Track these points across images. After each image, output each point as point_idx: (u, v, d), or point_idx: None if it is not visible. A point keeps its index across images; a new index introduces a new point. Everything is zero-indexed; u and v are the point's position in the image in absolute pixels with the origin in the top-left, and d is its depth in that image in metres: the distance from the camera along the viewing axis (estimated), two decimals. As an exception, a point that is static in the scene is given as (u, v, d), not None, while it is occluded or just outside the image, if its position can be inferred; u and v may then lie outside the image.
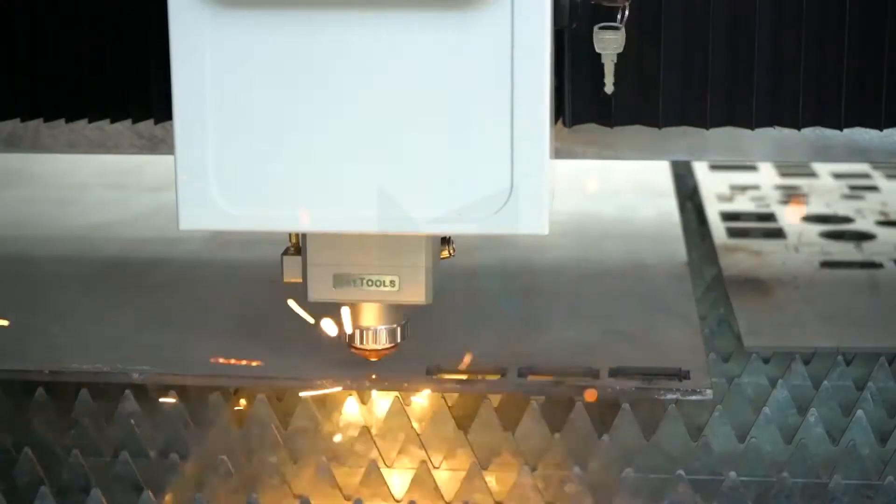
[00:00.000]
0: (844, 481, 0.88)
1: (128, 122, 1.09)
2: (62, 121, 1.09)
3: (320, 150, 0.84)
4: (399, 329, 0.95)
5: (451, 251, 0.95)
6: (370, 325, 0.94)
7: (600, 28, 0.93)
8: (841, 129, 1.01)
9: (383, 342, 0.95)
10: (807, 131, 1.02)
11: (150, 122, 1.08)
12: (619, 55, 0.94)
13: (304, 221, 0.85)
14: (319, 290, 0.92)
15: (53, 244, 1.35)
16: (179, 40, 0.83)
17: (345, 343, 0.95)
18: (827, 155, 1.10)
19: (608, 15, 0.94)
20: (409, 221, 0.84)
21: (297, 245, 0.94)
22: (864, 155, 1.09)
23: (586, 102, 1.02)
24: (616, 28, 0.92)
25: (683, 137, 1.07)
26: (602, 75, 0.97)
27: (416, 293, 0.92)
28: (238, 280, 1.22)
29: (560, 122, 1.02)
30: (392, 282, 0.92)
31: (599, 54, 0.96)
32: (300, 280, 0.93)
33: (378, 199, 0.84)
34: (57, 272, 1.26)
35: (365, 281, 0.92)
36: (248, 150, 0.84)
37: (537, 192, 0.83)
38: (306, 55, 0.83)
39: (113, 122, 1.08)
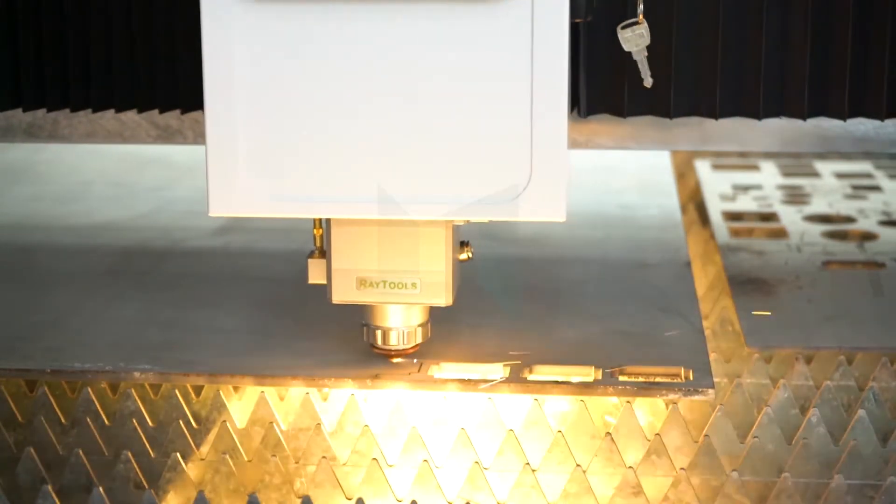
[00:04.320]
0: (846, 481, 0.88)
1: (145, 113, 1.10)
2: (81, 111, 1.10)
3: (344, 138, 0.87)
4: (420, 330, 0.97)
5: (470, 254, 0.97)
6: (392, 326, 0.96)
7: (622, 28, 0.93)
8: (844, 120, 1.02)
9: (404, 343, 0.97)
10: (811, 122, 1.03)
11: (168, 112, 1.09)
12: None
13: (329, 208, 0.89)
14: (342, 293, 0.94)
15: (57, 241, 1.35)
16: (211, 31, 0.86)
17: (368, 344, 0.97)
18: (831, 146, 1.11)
19: (622, 8, 0.95)
20: (430, 208, 0.88)
21: (322, 248, 0.96)
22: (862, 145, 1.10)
23: (600, 93, 1.03)
24: (637, 23, 0.93)
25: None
26: (625, 69, 0.99)
27: (437, 294, 0.94)
28: (241, 278, 1.22)
29: (574, 111, 1.03)
30: (414, 284, 0.93)
31: (613, 46, 0.96)
32: (324, 282, 0.96)
33: (400, 187, 0.88)
34: (60, 269, 1.25)
35: (387, 283, 0.93)
36: (276, 137, 0.88)
37: (555, 179, 0.86)
38: (332, 45, 0.86)
39: (140, 112, 1.09)
